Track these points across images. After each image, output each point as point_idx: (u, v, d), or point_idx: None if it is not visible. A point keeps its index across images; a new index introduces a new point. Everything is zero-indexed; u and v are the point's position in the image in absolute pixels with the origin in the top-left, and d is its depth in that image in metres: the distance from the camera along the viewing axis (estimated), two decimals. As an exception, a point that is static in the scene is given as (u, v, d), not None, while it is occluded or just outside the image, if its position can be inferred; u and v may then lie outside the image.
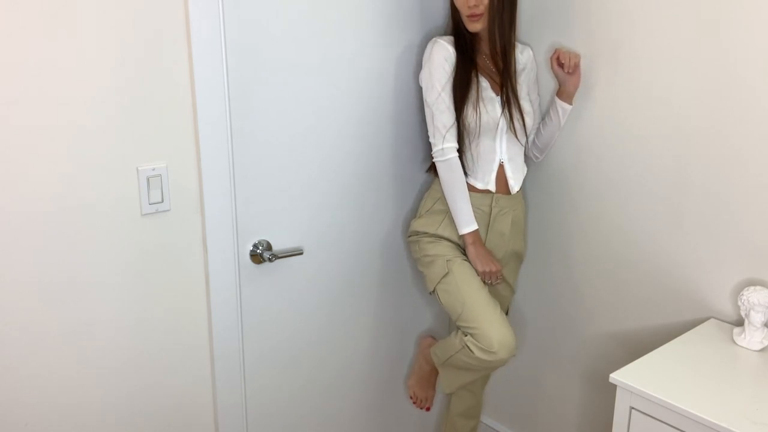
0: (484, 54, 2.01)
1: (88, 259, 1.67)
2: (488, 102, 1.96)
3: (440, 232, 2.05)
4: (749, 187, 1.72)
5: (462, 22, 1.96)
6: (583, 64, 2.00)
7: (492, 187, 2.03)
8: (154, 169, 1.72)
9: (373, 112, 2.10)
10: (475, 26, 1.92)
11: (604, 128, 1.99)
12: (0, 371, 1.62)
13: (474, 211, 2.00)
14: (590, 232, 2.09)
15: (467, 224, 1.99)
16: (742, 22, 1.67)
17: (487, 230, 2.06)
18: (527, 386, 2.42)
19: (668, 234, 1.90)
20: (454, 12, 1.97)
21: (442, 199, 2.04)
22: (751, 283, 1.75)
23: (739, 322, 1.77)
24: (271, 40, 1.85)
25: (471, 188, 2.01)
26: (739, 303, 1.70)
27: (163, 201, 1.76)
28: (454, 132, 1.95)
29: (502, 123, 1.98)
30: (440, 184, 2.01)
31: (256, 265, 1.98)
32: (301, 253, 2.03)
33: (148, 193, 1.72)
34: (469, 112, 1.94)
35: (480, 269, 2.00)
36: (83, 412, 1.76)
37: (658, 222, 1.92)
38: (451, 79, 1.95)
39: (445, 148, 1.96)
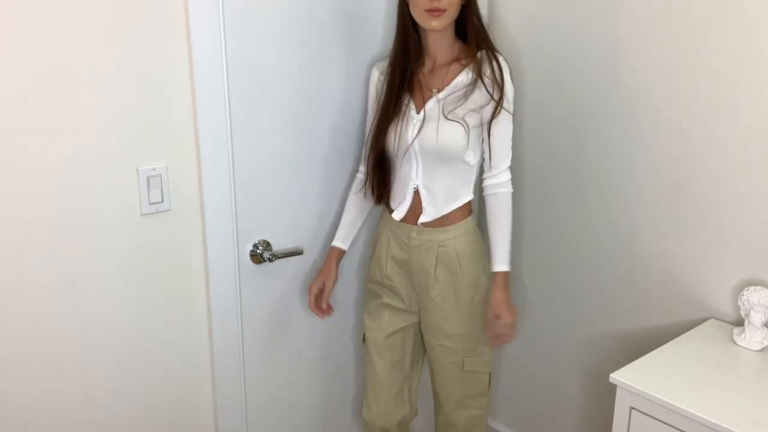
0: (427, 67, 1.82)
1: (88, 258, 1.68)
2: (407, 121, 1.81)
3: (367, 277, 2.03)
4: (749, 187, 1.72)
5: (414, 25, 1.77)
6: (584, 65, 2.00)
7: (399, 216, 1.87)
8: (154, 169, 1.72)
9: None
10: (434, 24, 1.69)
11: (602, 129, 1.99)
12: (0, 371, 1.62)
13: (396, 241, 1.90)
14: (590, 233, 2.09)
15: (335, 239, 2.01)
16: (742, 24, 1.67)
17: (410, 262, 1.88)
18: (527, 386, 2.42)
19: (668, 234, 1.90)
20: (404, 16, 1.78)
21: (376, 232, 2.00)
22: (751, 283, 1.75)
23: (739, 322, 1.77)
24: (271, 41, 1.85)
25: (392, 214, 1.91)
26: (739, 303, 1.70)
27: (163, 201, 1.76)
28: (365, 158, 1.95)
29: (417, 145, 1.79)
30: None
31: (256, 265, 1.98)
32: (301, 253, 2.03)
33: (148, 193, 1.72)
34: (391, 132, 1.82)
35: (311, 285, 2.01)
36: (83, 411, 1.76)
37: (658, 222, 1.92)
38: (379, 101, 1.87)
39: (360, 168, 2.01)
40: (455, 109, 1.78)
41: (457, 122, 1.77)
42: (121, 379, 1.81)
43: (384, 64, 1.90)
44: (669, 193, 1.88)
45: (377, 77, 1.92)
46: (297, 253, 2.02)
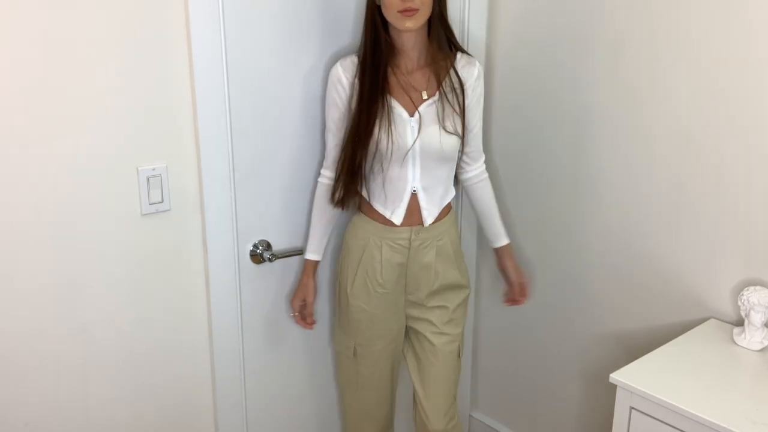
0: (403, 68, 1.81)
1: (88, 258, 1.68)
2: (399, 124, 1.78)
3: (351, 289, 1.93)
4: (749, 186, 1.72)
5: (382, 27, 1.76)
6: (583, 65, 2.00)
7: (399, 219, 1.85)
8: (154, 169, 1.72)
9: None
10: (408, 24, 1.69)
11: (603, 128, 1.99)
12: (0, 371, 1.62)
13: (391, 246, 1.87)
14: (589, 233, 2.09)
15: (307, 252, 1.97)
16: (742, 24, 1.67)
17: (407, 264, 1.89)
18: (527, 386, 2.42)
19: (668, 234, 1.90)
20: (373, 17, 1.76)
21: (353, 241, 1.92)
22: (751, 283, 1.75)
23: (739, 322, 1.77)
24: (271, 41, 1.85)
25: (383, 220, 1.86)
26: (739, 303, 1.70)
27: (163, 201, 1.76)
28: (332, 162, 1.89)
29: (417, 147, 1.79)
30: (357, 220, 1.93)
31: (256, 265, 1.98)
32: (301, 253, 2.03)
33: (148, 193, 1.72)
34: (383, 137, 1.77)
35: (292, 300, 2.01)
36: (83, 412, 1.76)
37: (658, 222, 1.92)
38: (349, 107, 1.82)
39: (322, 173, 1.93)
40: (453, 116, 1.82)
41: (455, 132, 1.83)
42: (121, 380, 1.81)
43: (349, 64, 1.83)
44: (669, 193, 1.88)
45: (345, 79, 1.82)
46: (297, 253, 2.02)
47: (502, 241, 2.07)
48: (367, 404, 2.05)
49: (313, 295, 1.99)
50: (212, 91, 1.76)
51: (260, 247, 1.96)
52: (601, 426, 2.18)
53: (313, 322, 2.03)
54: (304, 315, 2.02)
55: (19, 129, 1.52)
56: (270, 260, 1.95)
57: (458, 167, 1.99)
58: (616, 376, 1.57)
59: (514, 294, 2.12)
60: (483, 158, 2.01)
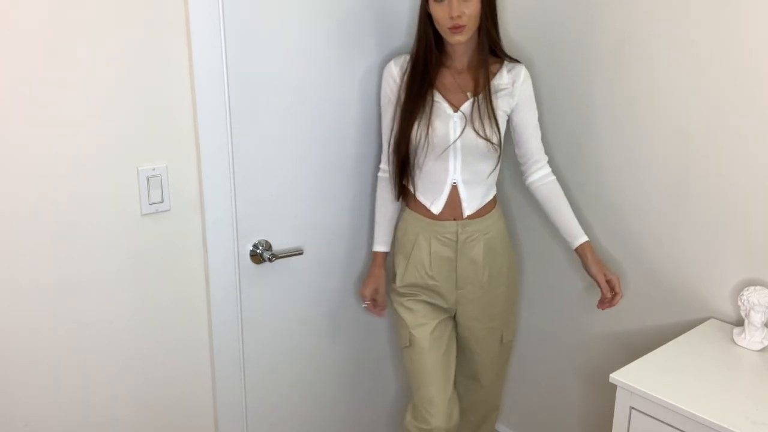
0: (453, 69, 1.91)
1: (87, 258, 1.68)
2: (442, 119, 1.87)
3: (400, 282, 2.00)
4: (749, 186, 1.72)
5: (435, 36, 1.87)
6: (584, 65, 2.00)
7: (438, 209, 1.92)
8: (154, 169, 1.72)
9: (372, 114, 2.10)
10: (457, 38, 1.80)
11: (603, 128, 1.99)
12: (0, 371, 1.62)
13: (439, 240, 1.94)
14: (589, 233, 2.09)
15: (375, 244, 2.07)
16: (742, 24, 1.67)
17: (456, 259, 1.95)
18: (527, 386, 2.42)
19: (668, 234, 1.90)
20: (426, 25, 1.86)
21: (403, 236, 2.01)
22: (751, 283, 1.75)
23: (739, 322, 1.77)
24: (271, 41, 1.85)
25: (428, 213, 1.94)
26: (739, 303, 1.70)
27: (163, 201, 1.76)
28: (385, 156, 2.02)
29: (459, 142, 1.87)
30: (404, 217, 2.02)
31: (256, 265, 1.98)
32: (301, 253, 2.03)
33: (148, 193, 1.73)
34: (416, 129, 1.88)
35: (363, 290, 2.10)
36: (83, 411, 1.76)
37: (658, 222, 1.92)
38: (399, 100, 1.92)
39: (381, 168, 2.05)
40: (494, 114, 1.87)
41: (484, 135, 1.86)
42: (121, 380, 1.81)
43: (402, 61, 1.94)
44: (669, 193, 1.88)
45: (398, 74, 1.94)
46: (297, 253, 2.02)
47: (578, 240, 1.97)
48: (424, 392, 1.99)
49: (384, 284, 2.08)
50: (212, 91, 1.76)
51: (260, 247, 1.96)
52: (601, 426, 2.18)
53: (384, 308, 2.12)
54: (375, 303, 2.11)
55: (19, 129, 1.52)
56: (270, 260, 1.95)
57: (521, 172, 2.04)
58: (616, 376, 1.57)
59: (605, 294, 1.95)
60: (545, 160, 2.00)
